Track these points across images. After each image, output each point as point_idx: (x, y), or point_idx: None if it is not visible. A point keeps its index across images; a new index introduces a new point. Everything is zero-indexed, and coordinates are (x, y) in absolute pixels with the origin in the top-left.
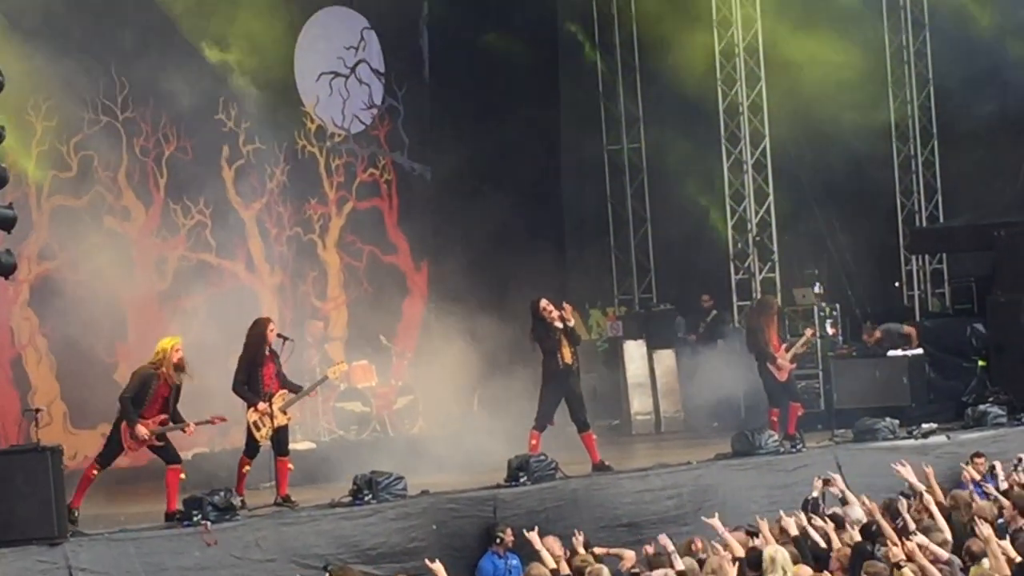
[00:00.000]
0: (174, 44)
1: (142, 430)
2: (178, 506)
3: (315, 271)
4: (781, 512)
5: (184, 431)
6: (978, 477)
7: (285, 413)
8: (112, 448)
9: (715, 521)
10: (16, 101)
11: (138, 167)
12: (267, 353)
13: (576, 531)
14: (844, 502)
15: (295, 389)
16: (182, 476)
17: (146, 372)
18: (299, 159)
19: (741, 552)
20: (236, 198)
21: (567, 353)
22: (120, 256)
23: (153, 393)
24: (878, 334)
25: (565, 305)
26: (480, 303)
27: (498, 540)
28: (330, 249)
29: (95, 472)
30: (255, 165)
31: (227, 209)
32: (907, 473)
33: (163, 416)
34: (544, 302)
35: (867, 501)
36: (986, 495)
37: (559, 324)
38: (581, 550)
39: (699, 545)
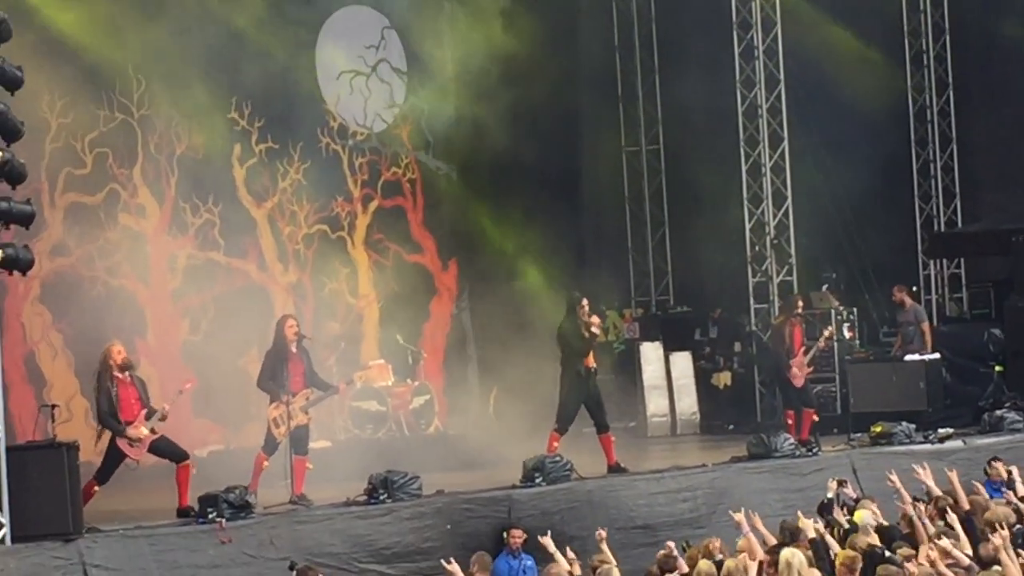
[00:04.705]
0: (191, 42)
1: (135, 431)
2: (190, 502)
3: (347, 268)
4: (799, 513)
5: (163, 418)
6: (1004, 478)
7: (306, 413)
8: (110, 463)
9: (741, 516)
10: (32, 98)
11: (153, 165)
12: (293, 350)
13: (600, 529)
14: (855, 505)
15: (325, 388)
16: (193, 470)
17: (101, 384)
18: (322, 157)
19: (762, 555)
20: (247, 197)
21: (591, 358)
22: (136, 253)
23: (120, 398)
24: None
25: (594, 317)
26: (499, 304)
27: (504, 540)
28: (359, 247)
29: (95, 488)
30: (267, 164)
31: (237, 208)
32: (925, 476)
33: (143, 411)
34: (585, 301)
35: (908, 502)
36: (1008, 501)
37: (596, 331)
38: (604, 547)
39: (716, 546)
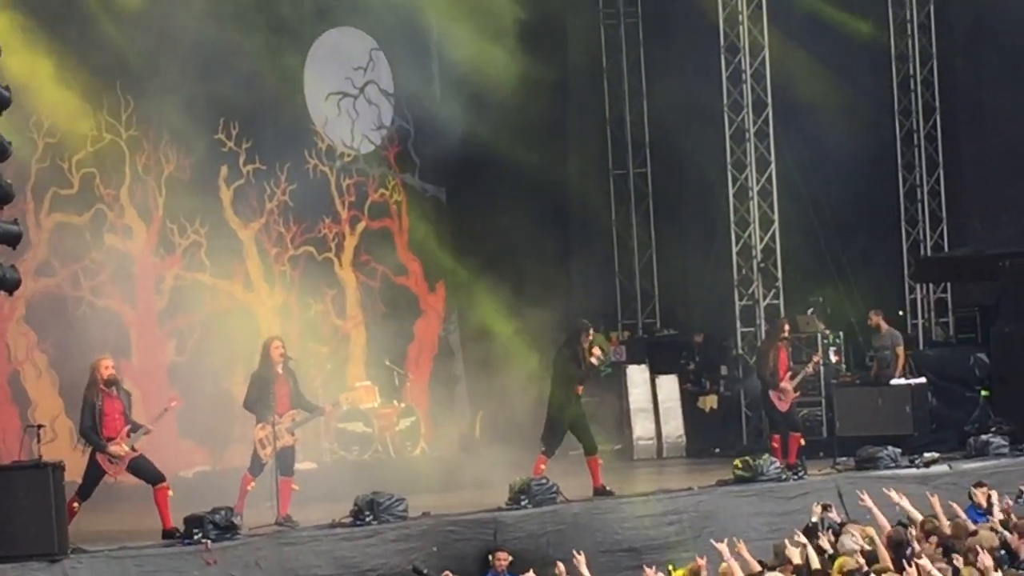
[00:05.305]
0: (179, 63)
1: (116, 449)
2: (175, 523)
3: (333, 290)
4: (786, 541)
5: (147, 433)
6: (985, 504)
7: (293, 434)
8: (90, 480)
9: (723, 546)
10: (18, 117)
11: (140, 185)
12: (279, 372)
13: (576, 552)
14: (840, 529)
15: (311, 409)
16: (170, 493)
17: (87, 398)
18: (309, 178)
19: None
20: (234, 218)
21: (582, 387)
22: (122, 274)
23: (104, 413)
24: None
25: (596, 348)
26: (486, 326)
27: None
28: (346, 268)
29: (76, 505)
30: (254, 185)
31: (224, 229)
32: (902, 502)
33: (127, 428)
34: (591, 330)
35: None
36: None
37: (595, 361)
38: (584, 571)
39: (702, 564)
